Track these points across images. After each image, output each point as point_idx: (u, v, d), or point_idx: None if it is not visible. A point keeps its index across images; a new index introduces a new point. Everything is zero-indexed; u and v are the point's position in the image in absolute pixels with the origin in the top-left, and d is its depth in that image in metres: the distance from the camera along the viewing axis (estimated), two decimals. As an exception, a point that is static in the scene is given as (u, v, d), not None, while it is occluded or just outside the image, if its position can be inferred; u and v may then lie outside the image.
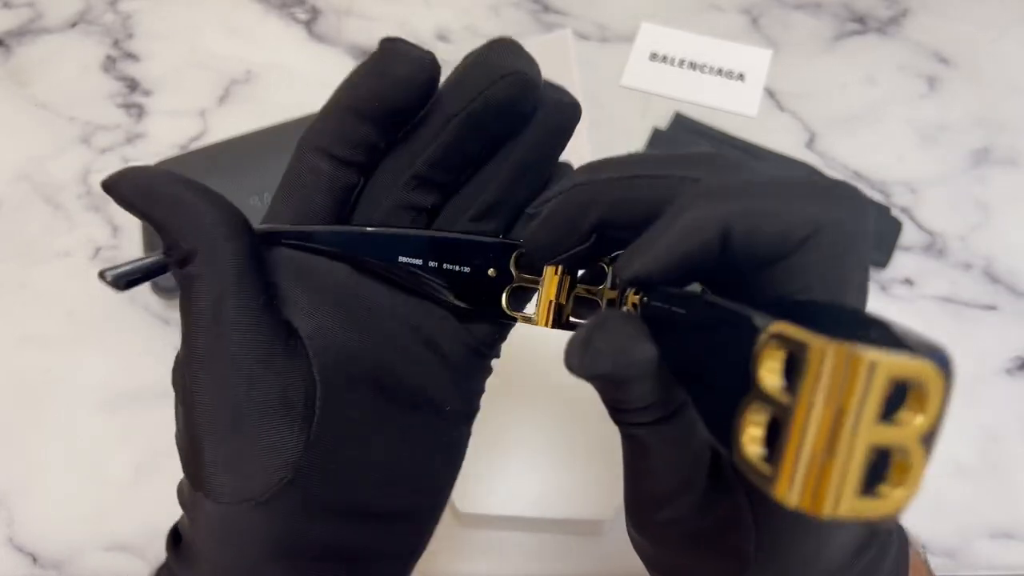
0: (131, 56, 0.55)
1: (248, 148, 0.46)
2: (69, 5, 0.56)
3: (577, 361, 0.17)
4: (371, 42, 0.52)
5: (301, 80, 0.53)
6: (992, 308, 0.45)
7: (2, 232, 0.48)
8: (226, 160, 0.46)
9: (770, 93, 0.52)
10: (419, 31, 0.55)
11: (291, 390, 0.20)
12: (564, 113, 0.22)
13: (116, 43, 0.55)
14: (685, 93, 0.52)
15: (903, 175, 0.49)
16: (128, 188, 0.21)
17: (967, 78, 0.52)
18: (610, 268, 0.23)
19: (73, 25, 0.56)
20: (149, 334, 0.44)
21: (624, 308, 0.21)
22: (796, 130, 0.51)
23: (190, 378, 0.20)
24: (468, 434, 0.25)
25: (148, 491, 0.41)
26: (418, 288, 0.23)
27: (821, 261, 0.16)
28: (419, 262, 0.23)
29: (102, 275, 0.21)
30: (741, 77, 0.52)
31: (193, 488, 0.21)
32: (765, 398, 0.13)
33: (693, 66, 0.52)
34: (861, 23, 0.54)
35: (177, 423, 0.21)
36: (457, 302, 0.23)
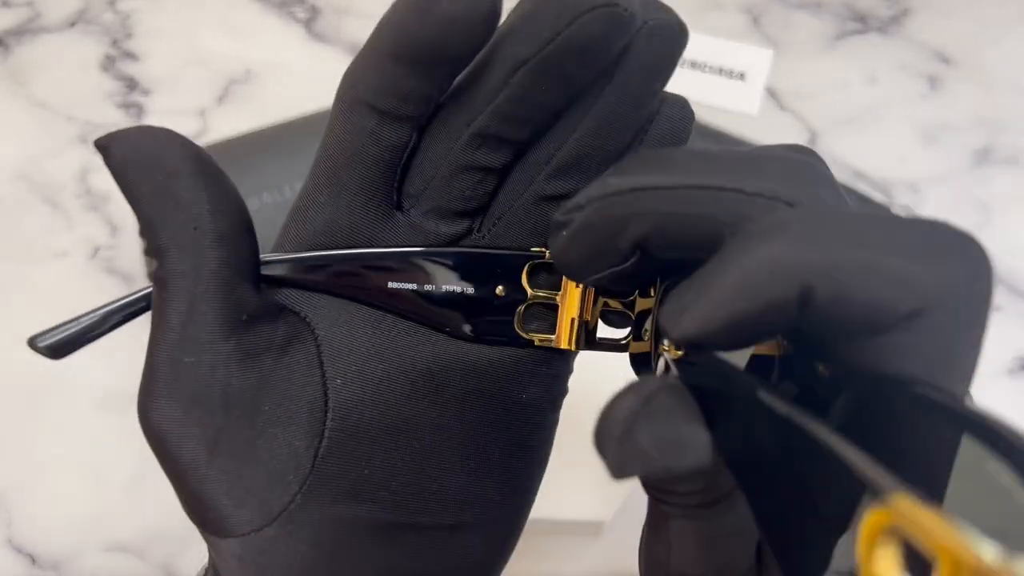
0: (130, 55, 0.54)
1: (247, 147, 0.46)
2: (68, 4, 0.56)
3: (614, 458, 0.13)
4: (371, 41, 0.52)
5: (301, 79, 0.53)
6: (994, 308, 0.45)
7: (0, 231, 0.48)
8: (225, 160, 0.46)
9: (771, 92, 0.52)
10: (419, 30, 0.55)
11: (288, 402, 0.18)
12: (664, 39, 0.17)
13: (115, 42, 0.55)
14: (685, 92, 0.51)
15: (904, 175, 0.49)
16: (121, 151, 0.17)
17: (969, 77, 0.52)
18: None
19: (72, 24, 0.56)
20: (146, 333, 0.43)
21: (663, 353, 0.17)
22: (797, 129, 0.50)
23: (144, 408, 0.18)
24: (554, 422, 0.21)
25: (147, 492, 0.41)
26: (414, 319, 0.19)
27: (928, 344, 0.13)
28: (413, 286, 0.19)
29: (32, 343, 0.18)
30: (742, 76, 0.52)
31: (201, 529, 0.18)
32: None
33: (694, 65, 0.52)
34: (862, 22, 0.54)
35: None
36: (459, 330, 0.19)
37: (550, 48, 0.16)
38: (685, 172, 0.15)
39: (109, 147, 0.17)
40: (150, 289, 0.19)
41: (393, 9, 0.17)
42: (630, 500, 0.38)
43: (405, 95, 0.17)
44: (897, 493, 0.09)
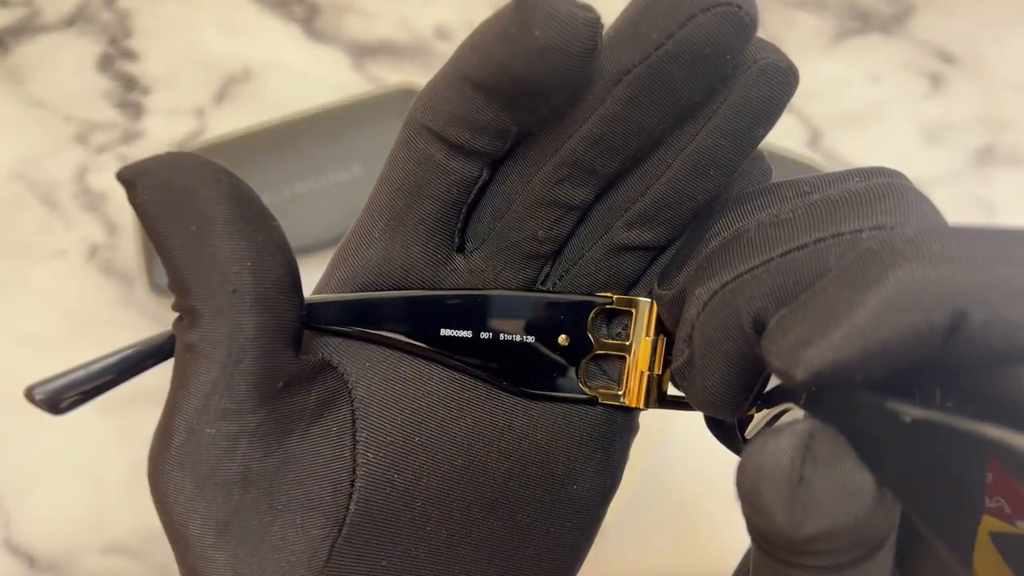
0: (128, 55, 0.54)
1: (246, 146, 0.46)
2: (66, 3, 0.56)
3: (787, 511, 0.11)
4: (370, 39, 0.52)
5: (299, 78, 0.53)
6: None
7: (-2, 232, 0.48)
8: (223, 159, 0.46)
9: (772, 91, 0.52)
10: (418, 28, 0.54)
11: (311, 482, 0.16)
12: (774, 82, 0.15)
13: (113, 41, 0.55)
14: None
15: (907, 174, 0.49)
16: (149, 190, 0.15)
17: (971, 76, 0.51)
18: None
19: (70, 23, 0.55)
20: (146, 335, 0.43)
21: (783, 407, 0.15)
22: (799, 129, 0.50)
23: (155, 471, 0.16)
24: (601, 519, 0.19)
25: (146, 493, 0.41)
26: (467, 370, 0.18)
27: None
28: (467, 334, 0.17)
29: (29, 395, 0.16)
30: (743, 75, 0.52)
31: None
32: None
33: (695, 64, 0.52)
34: (864, 21, 0.54)
35: None
36: (516, 383, 0.18)
37: (659, 53, 0.14)
38: (768, 242, 0.14)
39: (135, 183, 0.15)
40: (170, 333, 0.17)
41: (478, 32, 0.15)
42: (630, 501, 0.37)
43: (480, 127, 0.15)
44: None
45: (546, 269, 0.18)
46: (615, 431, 0.18)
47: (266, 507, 0.16)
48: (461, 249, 0.17)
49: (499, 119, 0.15)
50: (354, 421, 0.17)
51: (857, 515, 0.11)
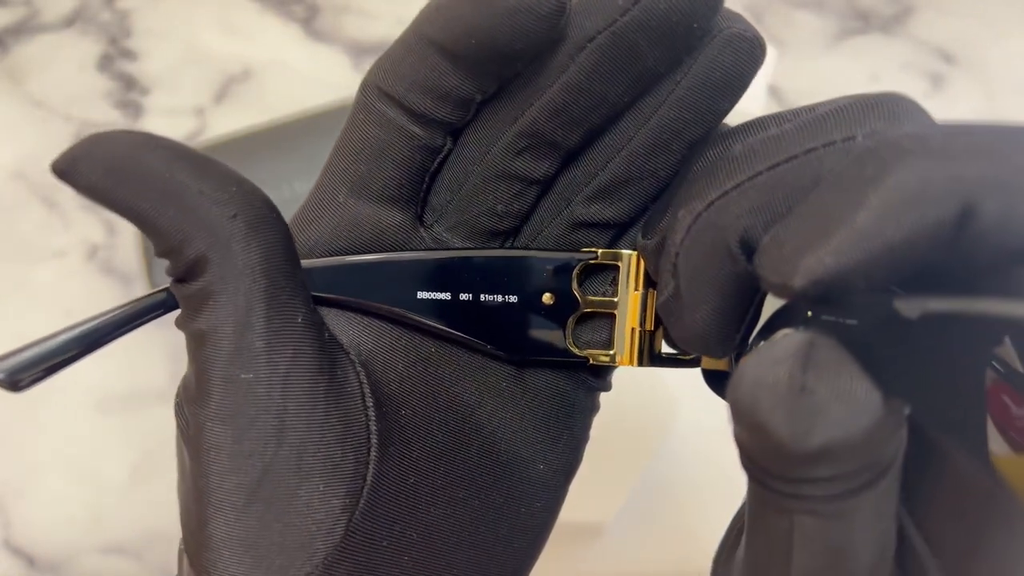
0: (128, 54, 0.54)
1: (246, 145, 0.46)
2: (65, 3, 0.56)
3: (789, 420, 0.10)
4: (370, 39, 0.52)
5: (299, 78, 0.53)
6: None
7: (-2, 231, 0.48)
8: (223, 158, 0.46)
9: (773, 91, 0.52)
10: (419, 29, 0.54)
11: (336, 444, 0.15)
12: (740, 53, 0.15)
13: (113, 41, 0.55)
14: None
15: (906, 174, 0.49)
16: (92, 170, 0.14)
17: (971, 76, 0.51)
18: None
19: (70, 23, 0.55)
20: (146, 334, 0.43)
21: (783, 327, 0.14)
22: (799, 129, 0.50)
23: (197, 429, 0.15)
24: (565, 495, 0.19)
25: (145, 493, 0.41)
26: (449, 335, 0.17)
27: None
28: (446, 296, 0.16)
29: None
30: (743, 75, 0.52)
31: (193, 570, 0.16)
32: None
33: (695, 64, 0.52)
34: (864, 21, 0.54)
35: (180, 480, 0.16)
36: (500, 347, 0.17)
37: (624, 20, 0.14)
38: (755, 158, 0.13)
39: (75, 169, 0.14)
40: (146, 300, 0.16)
41: None
42: (631, 500, 0.37)
43: (443, 95, 0.15)
44: None
45: (507, 245, 0.17)
46: (578, 410, 0.18)
47: (295, 467, 0.15)
48: (422, 222, 0.17)
49: (463, 86, 0.15)
50: (361, 385, 0.16)
51: (866, 425, 0.10)
